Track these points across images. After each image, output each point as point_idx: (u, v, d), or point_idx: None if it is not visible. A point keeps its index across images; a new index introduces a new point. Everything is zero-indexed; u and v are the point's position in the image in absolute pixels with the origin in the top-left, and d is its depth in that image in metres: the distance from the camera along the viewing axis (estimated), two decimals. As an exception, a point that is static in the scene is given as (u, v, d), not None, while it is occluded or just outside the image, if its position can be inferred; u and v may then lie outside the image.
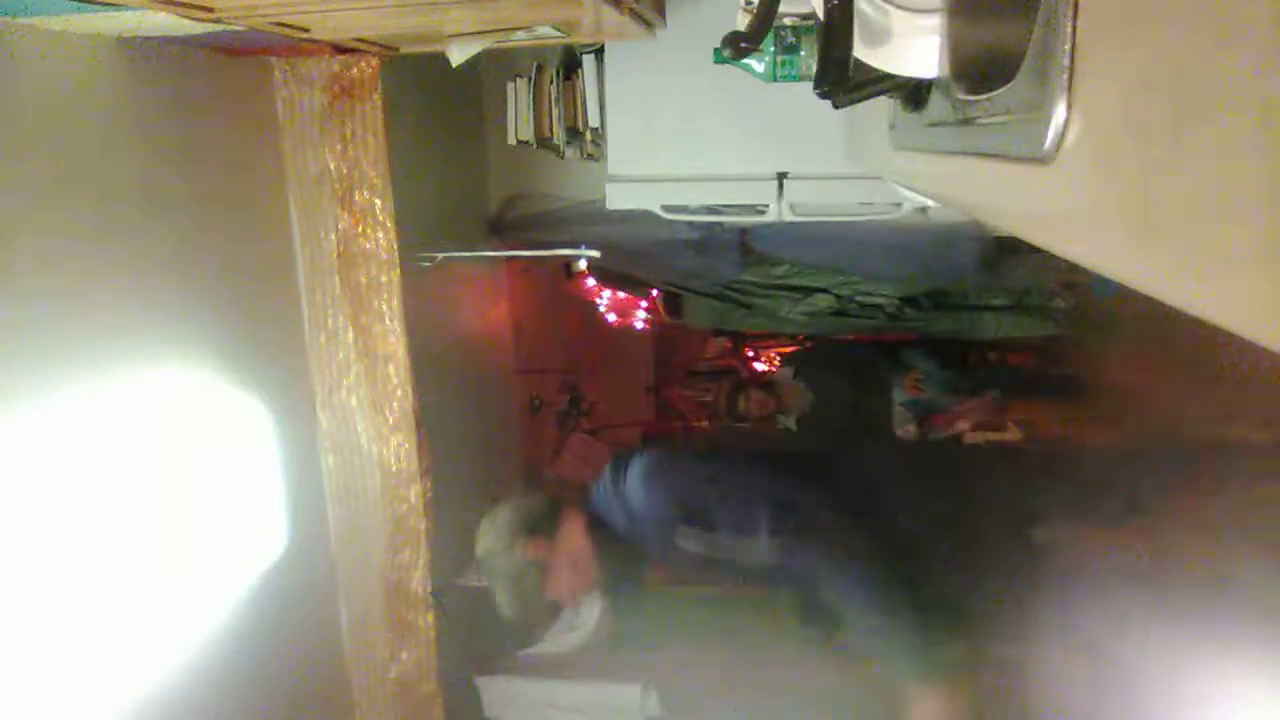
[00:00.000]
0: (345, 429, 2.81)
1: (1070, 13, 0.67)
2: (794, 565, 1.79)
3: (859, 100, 1.36)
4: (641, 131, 3.11)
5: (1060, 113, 0.69)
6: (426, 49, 2.51)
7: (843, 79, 1.06)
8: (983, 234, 3.43)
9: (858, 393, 4.07)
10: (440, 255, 3.07)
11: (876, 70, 1.16)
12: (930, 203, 2.89)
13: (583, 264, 3.57)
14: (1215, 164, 0.48)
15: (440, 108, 3.44)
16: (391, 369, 2.74)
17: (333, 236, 2.66)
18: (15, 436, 1.72)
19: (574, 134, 3.28)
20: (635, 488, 1.93)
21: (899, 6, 1.06)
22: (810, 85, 1.23)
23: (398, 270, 2.67)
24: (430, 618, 3.01)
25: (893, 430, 4.09)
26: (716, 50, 1.16)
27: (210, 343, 2.31)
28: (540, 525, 2.03)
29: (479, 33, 2.21)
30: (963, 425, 3.83)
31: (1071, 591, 1.88)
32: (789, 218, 3.12)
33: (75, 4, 1.67)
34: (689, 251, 3.68)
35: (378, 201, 2.62)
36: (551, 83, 3.22)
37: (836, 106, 1.36)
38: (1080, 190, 0.70)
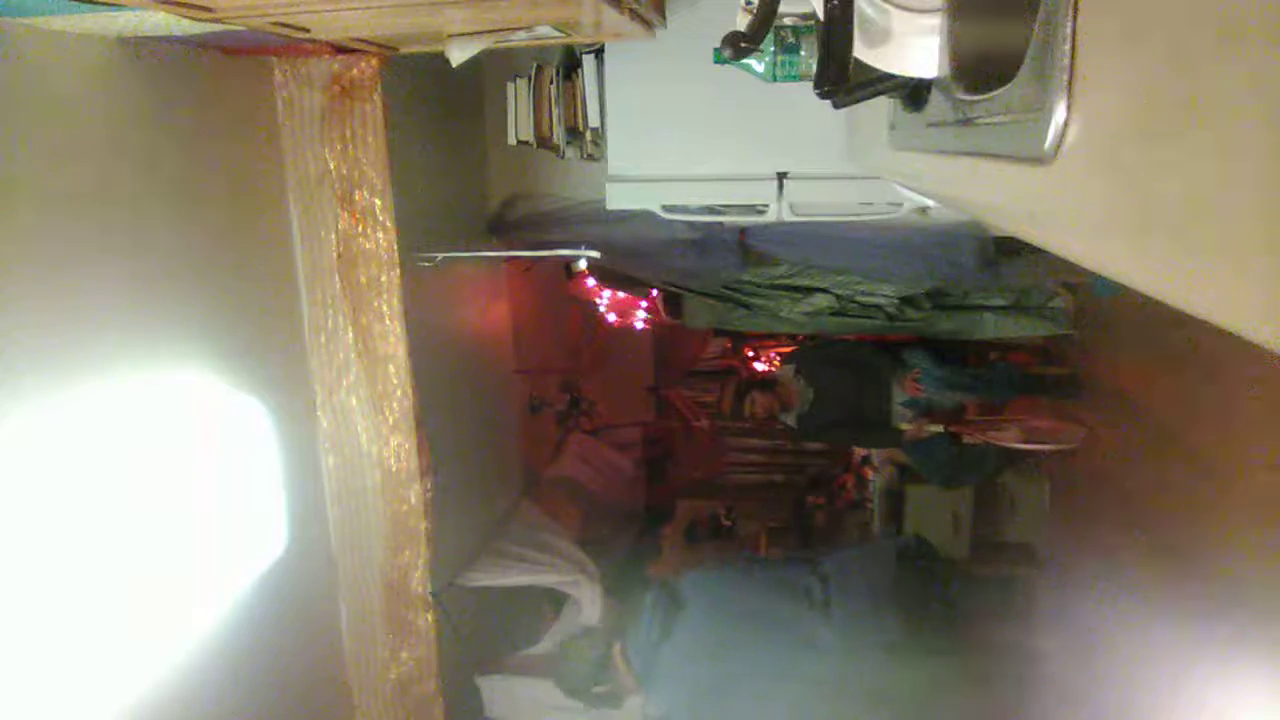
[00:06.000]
0: (345, 429, 2.81)
1: (1070, 13, 0.67)
2: None
3: (859, 100, 1.36)
4: (641, 131, 3.11)
5: (1060, 113, 0.70)
6: (426, 49, 2.51)
7: (843, 79, 1.06)
8: (983, 234, 3.43)
9: (858, 391, 4.08)
10: (440, 255, 3.06)
11: (876, 70, 1.16)
12: (930, 203, 2.88)
13: (583, 264, 3.57)
14: (1215, 164, 0.48)
15: (440, 108, 3.43)
16: (391, 369, 2.74)
17: (333, 236, 2.66)
18: (16, 437, 1.72)
19: (574, 134, 3.27)
20: None
21: (899, 6, 1.06)
22: (810, 85, 1.23)
23: (398, 270, 2.67)
24: (430, 618, 3.01)
25: (892, 427, 4.09)
26: (716, 50, 1.16)
27: (210, 343, 2.31)
28: None
29: (479, 33, 2.20)
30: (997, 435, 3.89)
31: None
32: (789, 217, 3.12)
33: (75, 4, 1.67)
34: (689, 251, 3.67)
35: (378, 201, 2.62)
36: (551, 83, 3.21)
37: (836, 106, 1.36)
38: (1080, 190, 0.70)
